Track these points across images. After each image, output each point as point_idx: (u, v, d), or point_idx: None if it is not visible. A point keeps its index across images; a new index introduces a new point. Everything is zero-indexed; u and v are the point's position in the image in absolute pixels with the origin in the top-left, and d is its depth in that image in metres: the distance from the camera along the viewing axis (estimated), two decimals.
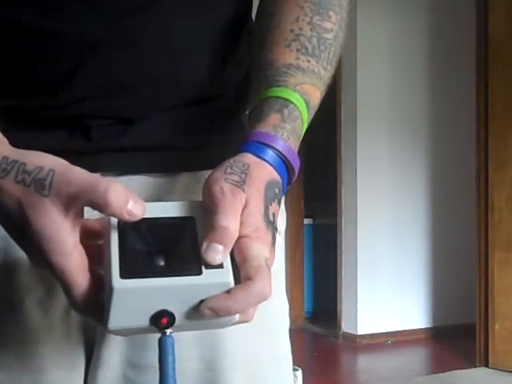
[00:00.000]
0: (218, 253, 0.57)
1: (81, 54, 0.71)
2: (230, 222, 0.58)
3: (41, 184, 0.57)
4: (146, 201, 0.73)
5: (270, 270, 0.59)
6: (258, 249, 0.59)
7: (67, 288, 0.58)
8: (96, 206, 0.57)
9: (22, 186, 0.57)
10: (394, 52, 5.12)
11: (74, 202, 0.57)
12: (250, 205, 0.61)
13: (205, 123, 0.78)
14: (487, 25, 4.26)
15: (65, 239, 0.57)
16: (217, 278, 0.56)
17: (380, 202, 5.08)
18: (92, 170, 0.72)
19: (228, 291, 0.56)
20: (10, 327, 0.72)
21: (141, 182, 0.75)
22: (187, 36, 0.75)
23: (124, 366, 0.74)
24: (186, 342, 0.74)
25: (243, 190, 0.61)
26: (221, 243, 0.57)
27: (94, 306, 0.57)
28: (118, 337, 0.71)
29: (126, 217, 0.56)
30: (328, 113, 5.07)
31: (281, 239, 0.85)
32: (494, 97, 4.25)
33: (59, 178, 0.57)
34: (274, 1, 0.78)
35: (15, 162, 0.58)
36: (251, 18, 0.83)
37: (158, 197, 0.74)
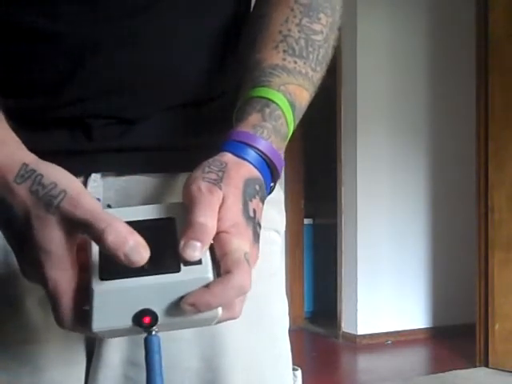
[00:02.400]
0: (196, 249, 0.57)
1: (81, 55, 0.71)
2: (207, 218, 0.59)
3: (50, 201, 0.58)
4: (146, 201, 0.74)
5: (250, 263, 0.59)
6: (237, 243, 0.60)
7: (57, 304, 0.58)
8: (95, 240, 0.57)
9: (34, 197, 0.58)
10: (394, 52, 5.12)
11: (75, 228, 0.58)
12: (228, 201, 0.61)
13: (205, 124, 0.78)
14: (487, 25, 4.26)
15: (63, 256, 0.58)
16: (195, 274, 0.57)
17: (380, 201, 5.08)
18: (92, 170, 0.72)
19: (207, 285, 0.57)
20: (11, 326, 0.72)
21: (141, 181, 0.75)
22: (187, 36, 0.75)
23: (124, 365, 0.74)
24: (185, 342, 0.74)
25: (220, 188, 0.61)
26: (198, 240, 0.58)
27: (80, 317, 0.58)
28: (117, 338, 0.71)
29: (123, 258, 0.56)
30: (328, 113, 5.07)
31: (280, 239, 0.85)
32: (494, 97, 4.25)
33: (68, 201, 0.58)
34: (265, 3, 0.79)
35: (33, 171, 0.59)
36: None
37: (157, 197, 0.75)
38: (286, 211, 0.87)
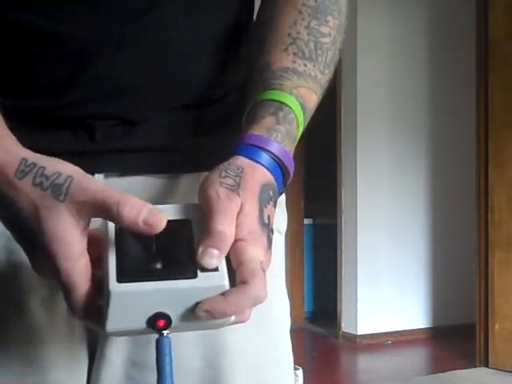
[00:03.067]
0: (214, 257, 0.58)
1: (84, 56, 0.71)
2: (225, 226, 0.59)
3: (58, 189, 0.58)
4: (150, 202, 0.74)
5: (265, 272, 0.59)
6: (253, 252, 0.60)
7: (70, 292, 0.58)
8: (110, 218, 0.58)
9: (38, 190, 0.58)
10: (394, 52, 5.12)
11: (86, 211, 0.58)
12: (245, 208, 0.61)
13: (207, 125, 0.78)
14: (487, 25, 4.26)
15: (74, 244, 0.58)
16: (212, 282, 0.57)
17: (380, 202, 5.08)
18: (95, 170, 0.73)
19: (223, 294, 0.57)
20: (14, 327, 0.72)
21: (143, 182, 0.75)
22: (189, 38, 0.75)
23: (127, 365, 0.74)
24: (188, 342, 0.74)
25: (238, 194, 0.61)
26: (216, 248, 0.58)
27: (93, 310, 0.58)
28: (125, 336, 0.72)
29: (143, 226, 0.57)
30: (328, 113, 5.07)
31: (281, 239, 0.85)
32: (494, 97, 4.25)
33: (76, 185, 0.58)
34: (272, 5, 0.78)
35: (34, 164, 0.59)
36: (253, 22, 0.84)
37: (160, 198, 0.75)
38: (287, 211, 0.87)
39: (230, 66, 0.80)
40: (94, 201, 0.58)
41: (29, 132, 0.64)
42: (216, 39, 0.78)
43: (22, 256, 0.68)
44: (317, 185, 6.03)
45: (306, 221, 5.78)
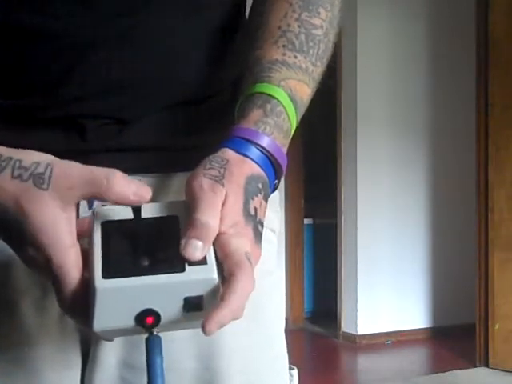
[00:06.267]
0: (198, 249, 0.57)
1: (77, 54, 0.71)
2: (209, 217, 0.58)
3: (39, 178, 0.57)
4: None
5: (252, 263, 0.58)
6: (237, 243, 0.59)
7: (60, 285, 0.57)
8: (99, 195, 0.57)
9: (18, 182, 0.57)
10: (394, 52, 5.11)
11: (73, 195, 0.57)
12: (229, 200, 0.60)
13: (201, 122, 0.78)
14: (487, 25, 4.26)
15: (63, 234, 0.57)
16: (200, 275, 0.56)
17: (380, 201, 5.08)
18: None
19: (222, 299, 0.56)
20: (6, 329, 0.72)
21: None
22: (184, 35, 0.75)
23: (120, 367, 0.74)
24: (183, 342, 0.74)
25: (222, 185, 0.60)
26: (199, 239, 0.57)
27: (83, 307, 0.57)
28: (115, 338, 0.71)
29: (133, 198, 0.57)
30: (328, 112, 5.07)
31: (275, 238, 0.85)
32: (494, 97, 4.24)
33: (57, 171, 0.57)
34: None
35: (10, 158, 0.58)
36: (248, 16, 0.84)
37: (154, 197, 0.74)
38: (286, 211, 0.87)
39: (226, 62, 0.80)
40: (81, 184, 0.57)
41: (19, 132, 0.63)
42: (212, 35, 0.78)
43: (13, 256, 0.68)
44: (317, 185, 6.03)
45: (306, 221, 5.77)
